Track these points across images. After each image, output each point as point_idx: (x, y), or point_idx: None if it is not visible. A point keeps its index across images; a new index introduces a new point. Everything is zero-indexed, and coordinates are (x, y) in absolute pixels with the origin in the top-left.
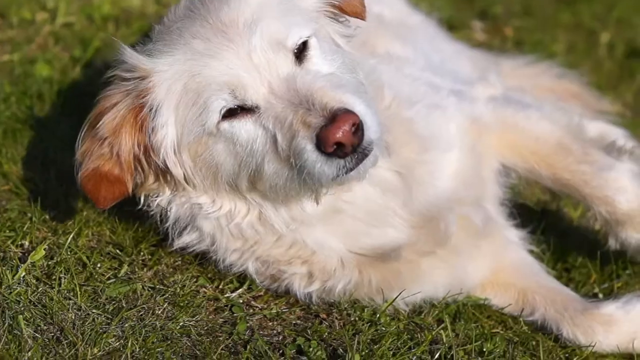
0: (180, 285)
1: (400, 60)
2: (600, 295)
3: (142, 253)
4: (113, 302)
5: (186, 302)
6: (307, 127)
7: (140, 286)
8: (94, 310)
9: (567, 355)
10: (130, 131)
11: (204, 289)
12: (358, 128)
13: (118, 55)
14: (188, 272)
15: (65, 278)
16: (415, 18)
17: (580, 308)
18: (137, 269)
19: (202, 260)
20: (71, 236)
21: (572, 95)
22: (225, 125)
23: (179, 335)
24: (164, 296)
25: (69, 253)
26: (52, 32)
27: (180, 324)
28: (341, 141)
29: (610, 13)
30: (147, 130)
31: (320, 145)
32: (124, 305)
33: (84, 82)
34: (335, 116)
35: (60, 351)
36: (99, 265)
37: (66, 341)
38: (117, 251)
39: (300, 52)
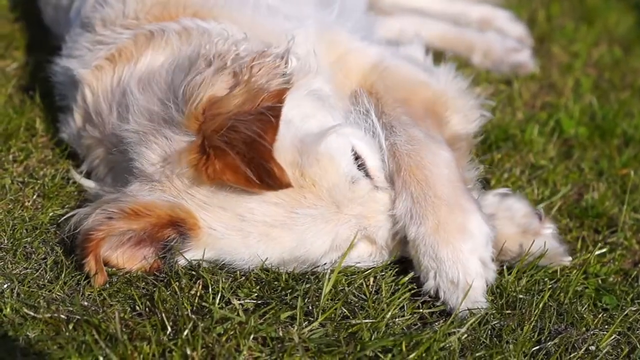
0: (49, 178)
1: None
2: None
3: (11, 149)
4: None
5: (55, 193)
6: None
7: (9, 180)
8: None
9: None
10: None
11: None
12: None
13: None
14: (58, 165)
15: None
16: None
17: None
18: (6, 165)
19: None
20: None
21: None
22: None
23: (47, 225)
24: (33, 188)
25: None
26: None
27: (50, 214)
28: None
29: None
30: None
31: None
32: None
33: None
34: None
35: None
36: None
37: None
38: None
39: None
